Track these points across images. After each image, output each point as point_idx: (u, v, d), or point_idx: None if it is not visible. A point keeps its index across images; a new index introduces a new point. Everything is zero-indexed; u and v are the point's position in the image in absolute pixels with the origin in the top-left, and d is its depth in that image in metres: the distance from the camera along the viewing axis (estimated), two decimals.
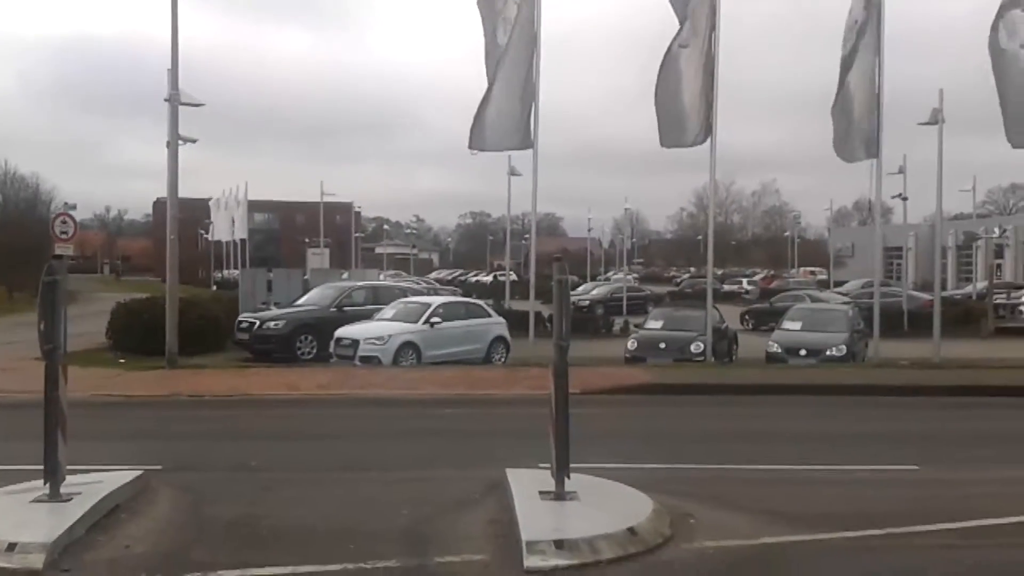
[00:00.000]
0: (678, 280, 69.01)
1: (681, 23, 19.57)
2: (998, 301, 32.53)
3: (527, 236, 73.89)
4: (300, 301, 23.46)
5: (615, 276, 58.85)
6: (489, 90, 19.63)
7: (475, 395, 15.23)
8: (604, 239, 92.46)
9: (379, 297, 23.33)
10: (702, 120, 19.73)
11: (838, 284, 49.46)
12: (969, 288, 43.06)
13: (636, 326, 23.74)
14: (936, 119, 20.21)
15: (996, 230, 37.75)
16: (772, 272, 65.58)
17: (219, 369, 18.63)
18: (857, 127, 20.41)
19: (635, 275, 64.18)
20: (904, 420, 13.19)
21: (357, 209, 71.40)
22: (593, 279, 57.48)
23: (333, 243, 63.37)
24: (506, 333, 22.07)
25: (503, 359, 21.53)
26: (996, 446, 11.04)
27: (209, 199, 66.73)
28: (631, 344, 21.49)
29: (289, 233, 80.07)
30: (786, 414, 13.65)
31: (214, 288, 47.53)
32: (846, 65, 20.07)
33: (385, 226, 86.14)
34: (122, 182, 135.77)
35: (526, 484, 7.85)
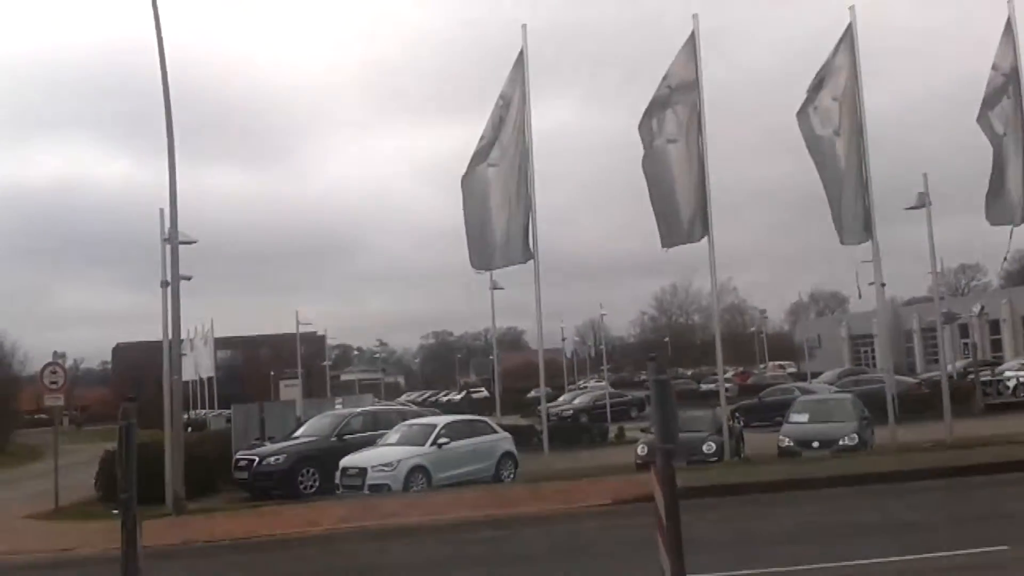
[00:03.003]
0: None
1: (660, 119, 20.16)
2: (984, 378, 32.85)
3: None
4: (297, 433, 22.80)
5: (592, 384, 58.56)
6: (487, 209, 19.88)
7: (507, 515, 14.68)
8: (566, 348, 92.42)
9: (378, 422, 22.79)
10: (698, 216, 20.06)
11: (814, 375, 49.67)
12: (948, 368, 43.48)
13: (643, 431, 23.41)
14: (923, 202, 20.65)
15: (975, 308, 38.44)
16: (743, 369, 65.88)
17: (227, 512, 17.87)
18: (848, 210, 20.82)
19: (605, 381, 63.92)
20: (964, 501, 13.00)
21: (323, 336, 70.77)
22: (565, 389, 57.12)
23: (302, 373, 62.45)
24: (513, 448, 21.67)
25: (512, 476, 21.03)
26: None
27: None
28: (641, 450, 21.09)
29: (253, 367, 78.72)
30: (844, 507, 13.29)
31: (189, 430, 46.16)
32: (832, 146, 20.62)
33: (355, 351, 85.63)
34: (72, 331, 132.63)
35: None
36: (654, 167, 20.18)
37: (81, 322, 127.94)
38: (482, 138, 20.65)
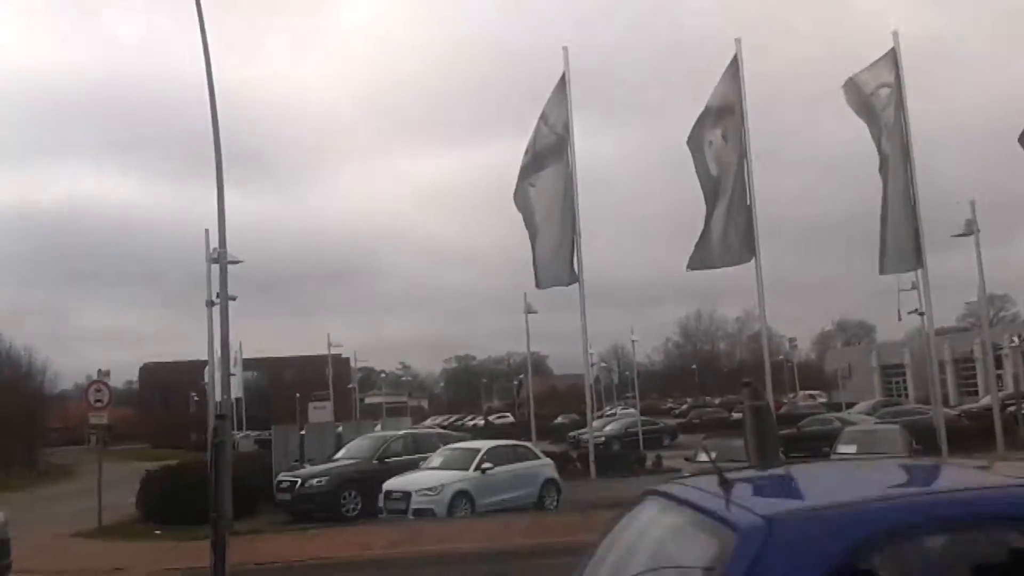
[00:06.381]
0: (677, 411, 68.38)
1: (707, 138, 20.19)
2: None
3: (521, 376, 73.39)
4: (338, 456, 22.68)
5: (620, 411, 58.16)
6: (533, 228, 19.92)
7: (563, 543, 14.31)
8: (592, 374, 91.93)
9: (419, 445, 22.68)
10: (745, 239, 19.94)
11: (848, 406, 49.07)
12: (987, 400, 42.87)
13: (687, 459, 23.12)
14: (970, 230, 20.37)
15: (1014, 339, 37.95)
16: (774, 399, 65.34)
17: (274, 534, 17.72)
18: (893, 238, 20.55)
19: (632, 409, 63.52)
20: None
21: (349, 358, 70.77)
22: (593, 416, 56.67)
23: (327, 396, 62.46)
24: (556, 475, 21.42)
25: (555, 503, 20.77)
26: None
27: (198, 361, 65.89)
28: None
29: (277, 389, 78.83)
30: None
31: None
32: (884, 176, 20.42)
33: (383, 374, 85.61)
34: (97, 352, 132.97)
35: None
36: (706, 185, 20.13)
37: (103, 341, 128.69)
38: (526, 152, 20.73)
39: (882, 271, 20.54)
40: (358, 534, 16.54)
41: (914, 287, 32.67)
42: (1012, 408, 32.48)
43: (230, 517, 16.90)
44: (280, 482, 21.51)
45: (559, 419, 56.79)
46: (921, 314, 34.32)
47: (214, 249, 18.55)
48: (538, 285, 20.50)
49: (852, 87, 20.64)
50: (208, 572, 13.60)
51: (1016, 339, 37.83)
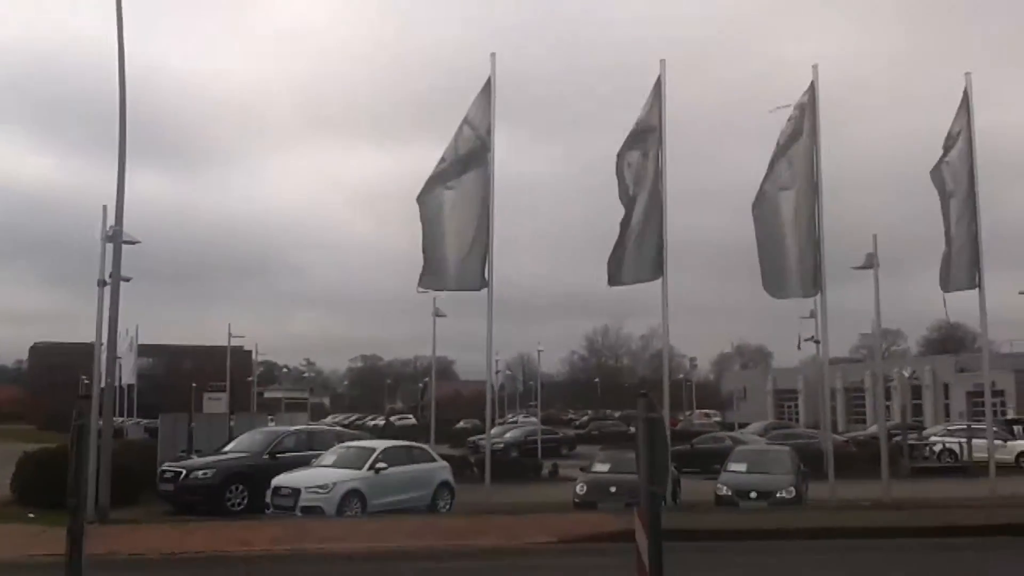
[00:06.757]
0: (577, 422, 68.80)
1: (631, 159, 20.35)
2: (911, 441, 33.39)
3: (426, 379, 72.90)
4: (228, 448, 22.01)
5: (521, 419, 58.24)
6: (441, 231, 19.71)
7: (454, 546, 14.24)
8: (497, 382, 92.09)
9: (313, 442, 22.18)
10: (655, 258, 20.15)
11: (741, 426, 50.09)
12: (874, 428, 44.24)
13: (582, 468, 23.13)
14: (871, 263, 20.91)
15: (906, 371, 39.29)
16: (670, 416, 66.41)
17: (152, 524, 17.05)
18: (793, 265, 20.96)
19: (533, 417, 63.69)
20: (946, 563, 13.00)
21: (250, 351, 69.10)
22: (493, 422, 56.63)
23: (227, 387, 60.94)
24: (451, 478, 21.22)
25: (448, 506, 20.57)
26: None
27: (91, 343, 63.53)
28: (580, 488, 20.78)
29: (175, 377, 76.57)
30: (813, 561, 13.16)
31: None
32: (774, 200, 20.83)
33: (285, 368, 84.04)
34: None
35: None
36: (626, 204, 20.26)
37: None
38: (442, 160, 20.43)
39: (770, 293, 20.92)
40: (240, 529, 16.02)
41: (812, 315, 33.69)
42: (898, 438, 33.54)
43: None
44: (164, 472, 20.76)
45: (461, 423, 56.60)
46: (816, 342, 35.40)
47: (110, 227, 17.82)
48: (421, 285, 20.33)
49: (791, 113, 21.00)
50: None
51: (906, 372, 39.17)
